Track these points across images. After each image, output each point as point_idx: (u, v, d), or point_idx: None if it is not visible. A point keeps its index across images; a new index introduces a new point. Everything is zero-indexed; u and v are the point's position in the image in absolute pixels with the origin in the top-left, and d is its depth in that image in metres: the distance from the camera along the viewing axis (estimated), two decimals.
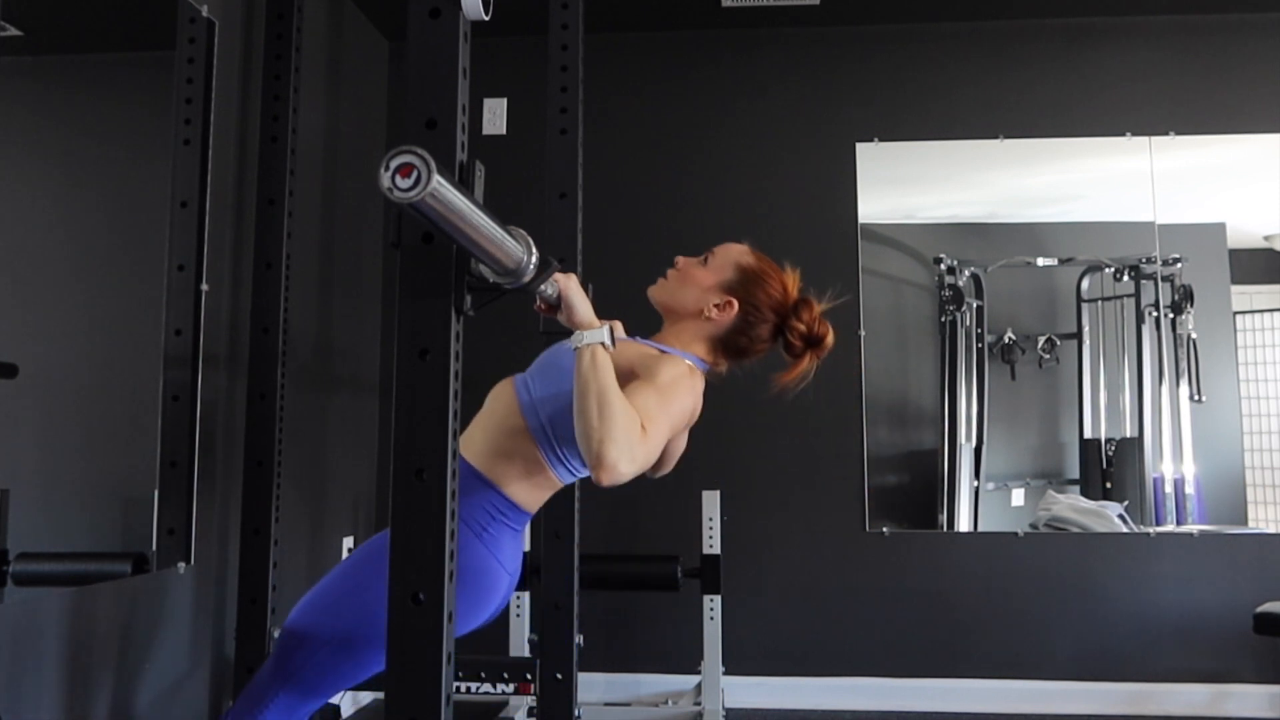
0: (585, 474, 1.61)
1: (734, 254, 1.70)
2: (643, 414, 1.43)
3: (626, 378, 1.50)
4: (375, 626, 1.42)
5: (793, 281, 1.70)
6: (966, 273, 3.67)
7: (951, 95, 3.71)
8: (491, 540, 1.55)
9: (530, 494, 1.60)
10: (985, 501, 3.61)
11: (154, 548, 2.30)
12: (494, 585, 1.56)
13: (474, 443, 1.61)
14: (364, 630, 1.48)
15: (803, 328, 1.67)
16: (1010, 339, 3.65)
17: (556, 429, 1.55)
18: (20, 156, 1.93)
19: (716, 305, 1.65)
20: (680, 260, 1.72)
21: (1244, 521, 3.49)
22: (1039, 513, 3.58)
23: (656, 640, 3.54)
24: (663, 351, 1.61)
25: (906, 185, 3.75)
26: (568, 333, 1.49)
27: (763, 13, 3.66)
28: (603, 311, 1.56)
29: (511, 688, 3.27)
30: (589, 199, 2.46)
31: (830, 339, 1.69)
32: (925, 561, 3.54)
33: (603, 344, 1.43)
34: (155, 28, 2.39)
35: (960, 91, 3.71)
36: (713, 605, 3.16)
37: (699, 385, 1.62)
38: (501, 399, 1.63)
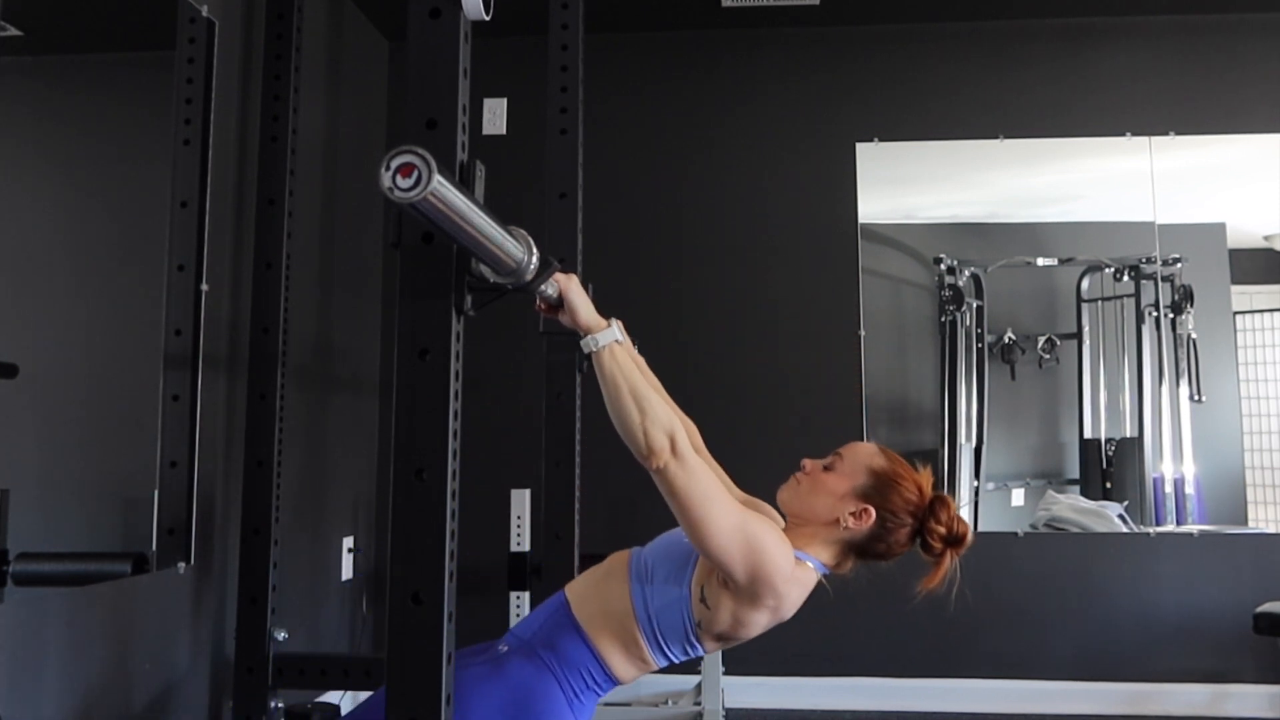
0: (681, 660, 1.57)
1: (864, 456, 1.63)
2: (713, 471, 1.46)
3: None
4: None
5: (927, 481, 1.63)
6: (966, 273, 3.67)
7: (951, 95, 3.71)
8: (580, 709, 1.52)
9: (626, 670, 1.56)
10: (985, 501, 3.61)
11: (154, 548, 2.30)
12: None
13: (583, 600, 1.57)
14: None
15: (942, 530, 1.60)
16: (1010, 339, 3.65)
17: (661, 622, 1.52)
18: (20, 156, 1.93)
19: (853, 514, 1.58)
20: (808, 464, 1.66)
21: (1244, 521, 3.49)
22: (1039, 513, 3.58)
23: None
24: None
25: (906, 185, 3.75)
26: (568, 333, 1.48)
27: (763, 13, 3.66)
28: (604, 311, 1.56)
29: None
30: (589, 199, 2.46)
31: (971, 537, 1.62)
32: (925, 561, 3.53)
33: (616, 340, 1.43)
34: (155, 28, 2.39)
35: (960, 91, 3.71)
36: None
37: (809, 581, 1.55)
38: (615, 575, 1.59)
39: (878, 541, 1.60)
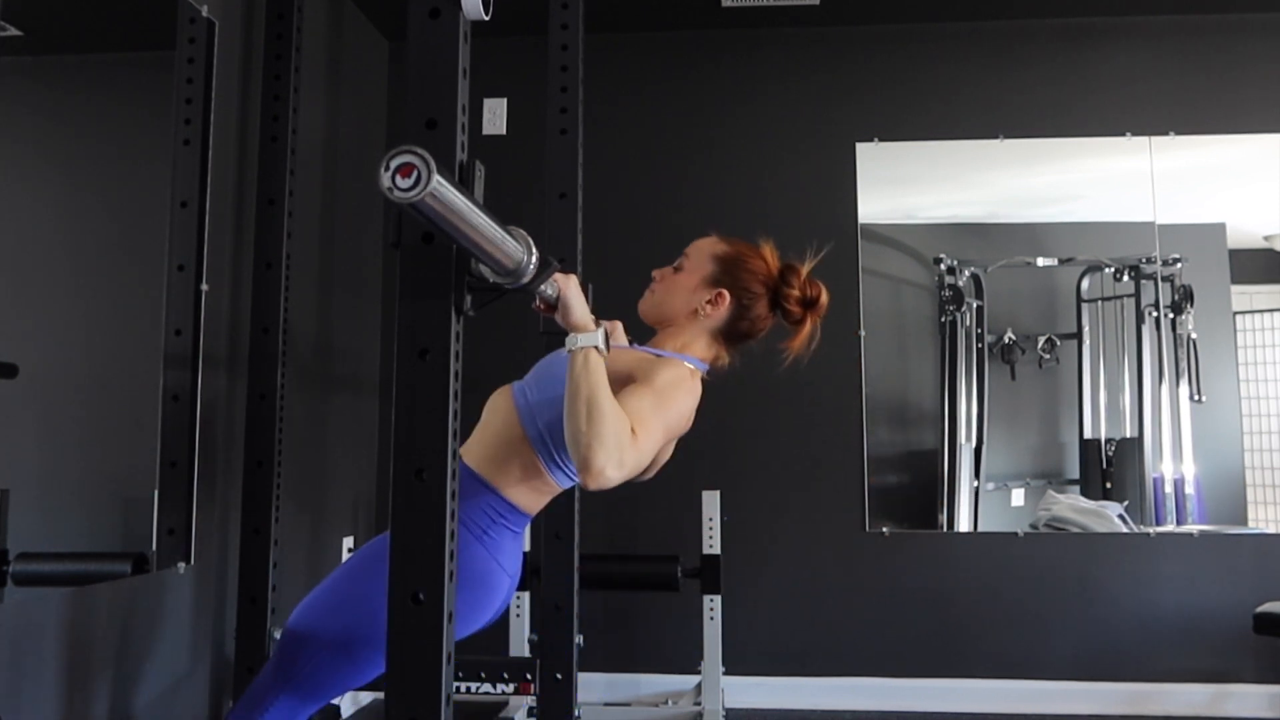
0: (578, 478, 1.61)
1: (706, 248, 1.71)
2: (636, 417, 1.43)
3: (624, 383, 1.50)
4: (376, 629, 1.42)
5: (770, 253, 1.71)
6: (966, 273, 3.67)
7: (951, 95, 3.71)
8: (492, 543, 1.55)
9: (529, 497, 1.60)
10: (985, 501, 3.61)
11: (154, 548, 2.30)
12: (495, 587, 1.56)
13: (473, 449, 1.62)
14: (365, 632, 1.49)
15: (796, 293, 1.68)
16: (1010, 339, 3.65)
17: (554, 435, 1.55)
18: (20, 156, 1.93)
19: (709, 301, 1.65)
20: (657, 273, 1.73)
21: (1244, 521, 3.49)
22: (1039, 513, 3.58)
23: (656, 640, 3.54)
24: (661, 356, 1.61)
25: (906, 185, 3.75)
26: (567, 333, 1.48)
27: (763, 13, 3.66)
28: (604, 311, 1.56)
29: (511, 688, 3.26)
30: (589, 199, 2.46)
31: (825, 296, 1.70)
32: (925, 561, 3.54)
33: (596, 347, 1.43)
34: (155, 28, 2.39)
35: (960, 91, 3.71)
36: (713, 605, 3.16)
37: (698, 388, 1.62)
38: (500, 407, 1.64)
39: (740, 320, 1.67)
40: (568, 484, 1.64)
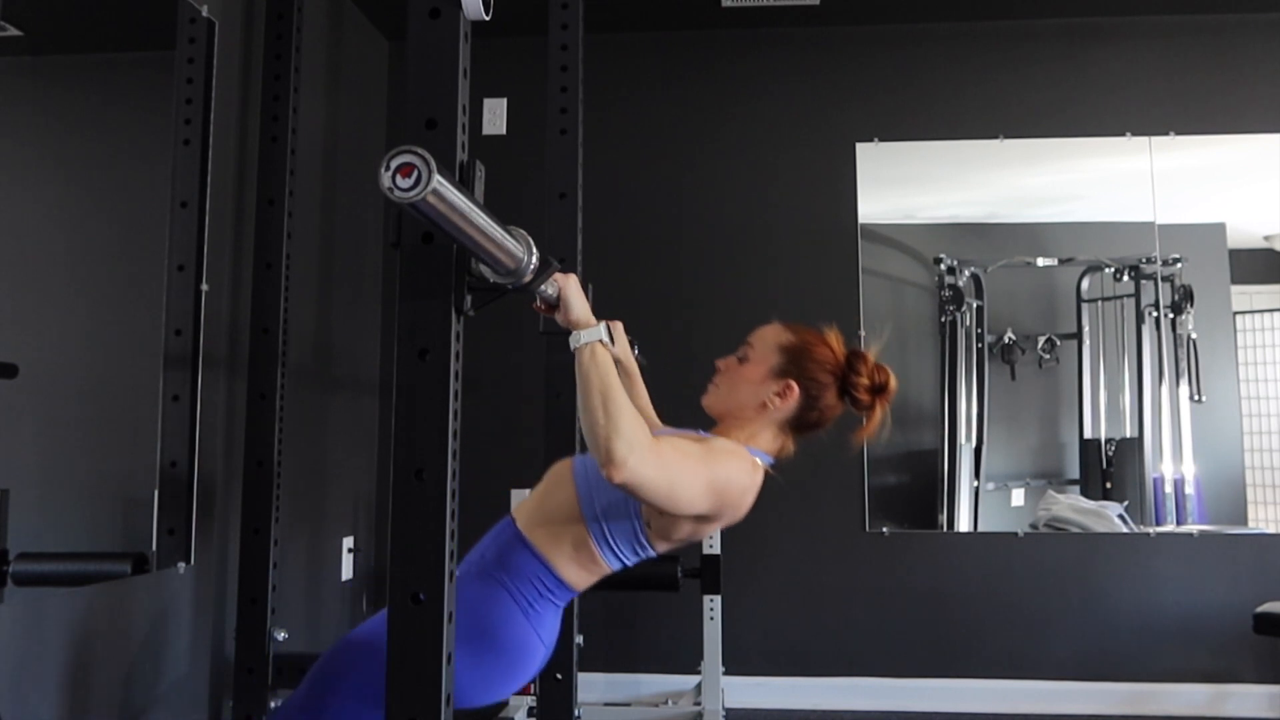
0: (634, 562, 1.59)
1: (771, 336, 1.67)
2: (672, 445, 1.43)
3: None
4: None
5: (836, 340, 1.66)
6: (966, 273, 3.67)
7: (951, 95, 3.71)
8: (536, 617, 1.54)
9: (579, 574, 1.58)
10: (985, 501, 3.61)
11: (154, 548, 2.30)
12: (532, 660, 1.55)
13: (528, 513, 1.60)
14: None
15: (866, 380, 1.63)
16: (1010, 339, 3.65)
17: (610, 518, 1.54)
18: (20, 156, 1.93)
19: (777, 394, 1.61)
20: (721, 364, 1.70)
21: (1244, 521, 3.49)
22: (1039, 513, 3.58)
23: (656, 640, 3.54)
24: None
25: (906, 185, 3.75)
26: (568, 333, 1.49)
27: (763, 13, 3.66)
28: (604, 311, 1.55)
29: None
30: (589, 199, 2.46)
31: (894, 382, 1.65)
32: (925, 561, 3.54)
33: (600, 341, 1.43)
34: (155, 28, 2.39)
35: (960, 91, 3.71)
36: (713, 605, 3.16)
37: (759, 478, 1.59)
38: (562, 482, 1.61)
39: (809, 411, 1.64)
40: (617, 566, 1.60)
